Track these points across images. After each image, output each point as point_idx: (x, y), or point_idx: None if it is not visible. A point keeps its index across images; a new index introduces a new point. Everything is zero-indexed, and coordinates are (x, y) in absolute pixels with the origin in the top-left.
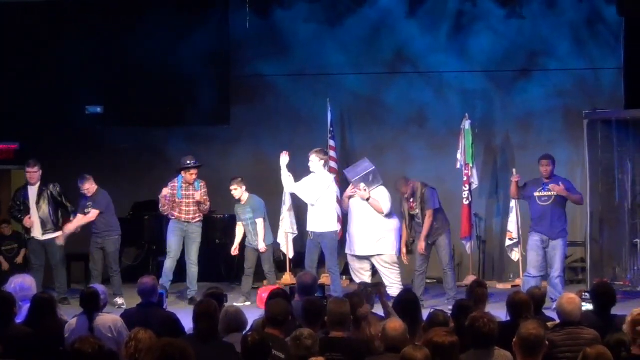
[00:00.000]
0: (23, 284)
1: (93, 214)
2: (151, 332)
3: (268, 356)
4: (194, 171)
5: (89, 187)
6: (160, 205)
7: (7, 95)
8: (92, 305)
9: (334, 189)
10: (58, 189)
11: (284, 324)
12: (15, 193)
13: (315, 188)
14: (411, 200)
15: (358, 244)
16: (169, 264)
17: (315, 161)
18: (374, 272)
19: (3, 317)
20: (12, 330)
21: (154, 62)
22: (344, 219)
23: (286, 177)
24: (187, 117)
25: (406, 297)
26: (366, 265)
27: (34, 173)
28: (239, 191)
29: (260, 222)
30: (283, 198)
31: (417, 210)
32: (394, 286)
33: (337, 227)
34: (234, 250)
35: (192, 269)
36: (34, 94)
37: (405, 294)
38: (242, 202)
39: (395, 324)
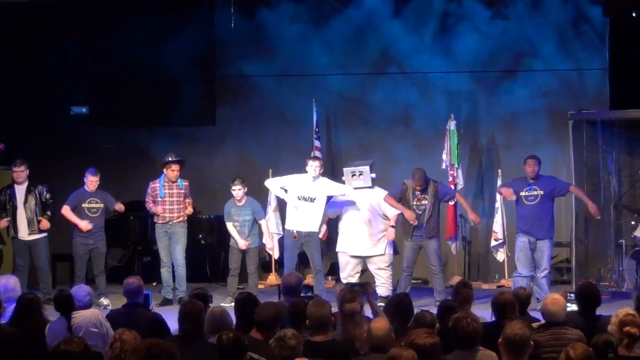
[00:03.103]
0: (7, 285)
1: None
2: (135, 332)
3: (243, 355)
4: (175, 167)
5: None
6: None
7: None
8: (67, 307)
9: (326, 192)
10: (45, 191)
11: (271, 329)
12: (1, 191)
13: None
14: (419, 193)
15: (360, 245)
16: (165, 273)
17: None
18: (362, 272)
19: None
20: None
21: (139, 63)
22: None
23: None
24: (172, 118)
25: (401, 300)
26: (359, 267)
27: (20, 172)
28: (242, 191)
29: (264, 222)
30: (268, 198)
31: (425, 203)
32: (384, 286)
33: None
34: (245, 244)
35: (180, 270)
36: (19, 94)
37: (400, 297)
38: (240, 203)
39: (381, 324)
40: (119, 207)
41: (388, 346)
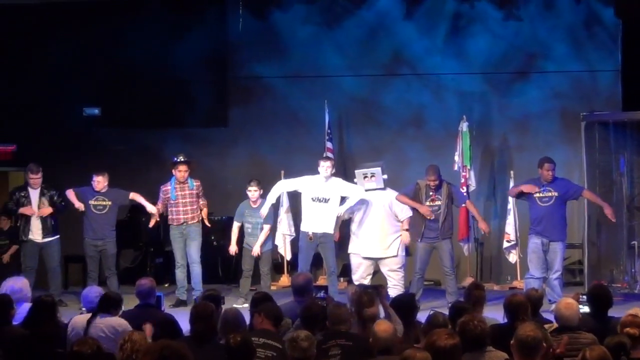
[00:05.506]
0: (13, 287)
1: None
2: (145, 333)
3: (252, 357)
4: (182, 167)
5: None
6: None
7: (4, 97)
8: (108, 308)
9: (339, 192)
10: (56, 196)
11: (279, 322)
12: (15, 191)
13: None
14: (433, 193)
15: (373, 247)
16: (180, 275)
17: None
18: (373, 274)
19: (0, 320)
20: (9, 332)
21: (151, 64)
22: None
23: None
24: (184, 119)
25: (402, 299)
26: (371, 269)
27: (37, 179)
28: (257, 193)
29: (267, 227)
30: (280, 200)
31: (438, 203)
32: (396, 288)
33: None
34: (234, 251)
35: (195, 268)
36: (31, 95)
37: (401, 296)
38: (255, 205)
39: (385, 326)
40: (151, 210)
41: (394, 347)
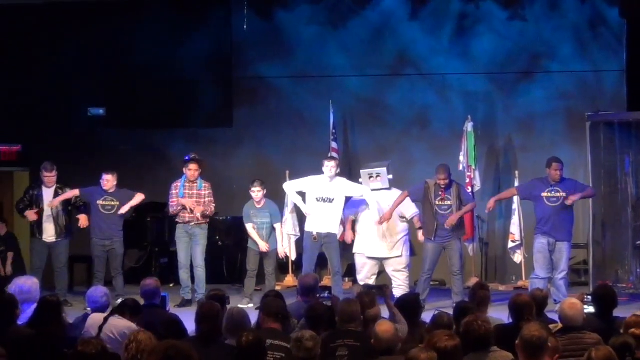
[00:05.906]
0: (23, 287)
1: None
2: (150, 333)
3: (264, 356)
4: (192, 166)
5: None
6: (171, 208)
7: (10, 97)
8: (123, 312)
9: (344, 192)
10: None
11: (285, 320)
12: (28, 190)
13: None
14: (442, 192)
15: (378, 247)
16: (183, 274)
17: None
18: (378, 274)
19: (5, 319)
20: (14, 332)
21: (156, 64)
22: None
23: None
24: (189, 119)
25: (406, 299)
26: (376, 269)
27: (52, 177)
28: (261, 193)
29: (279, 226)
30: (286, 200)
31: (449, 203)
32: (400, 288)
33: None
34: (267, 247)
35: (199, 272)
36: (36, 96)
37: (406, 296)
38: (259, 206)
39: (386, 326)
40: (124, 209)
41: (395, 347)
